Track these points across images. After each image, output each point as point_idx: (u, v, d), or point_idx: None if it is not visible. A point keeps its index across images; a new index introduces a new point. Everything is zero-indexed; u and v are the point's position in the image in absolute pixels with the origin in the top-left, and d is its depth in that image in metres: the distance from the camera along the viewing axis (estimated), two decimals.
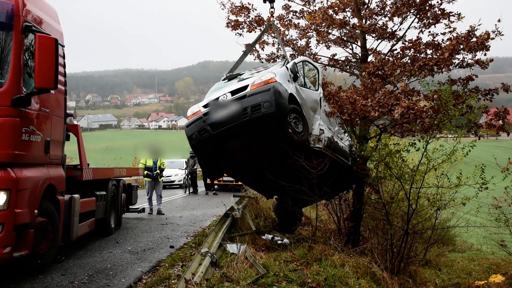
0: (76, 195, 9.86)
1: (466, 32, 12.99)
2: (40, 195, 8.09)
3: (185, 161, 29.64)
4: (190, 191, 26.75)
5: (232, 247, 9.68)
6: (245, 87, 10.50)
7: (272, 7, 13.44)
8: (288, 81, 10.85)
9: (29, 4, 8.01)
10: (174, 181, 30.95)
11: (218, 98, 10.70)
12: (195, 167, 26.78)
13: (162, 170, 18.76)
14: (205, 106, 10.83)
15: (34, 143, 8.00)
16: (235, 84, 11.02)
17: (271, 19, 13.63)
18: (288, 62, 11.85)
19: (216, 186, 27.56)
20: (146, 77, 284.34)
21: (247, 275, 8.10)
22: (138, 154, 23.90)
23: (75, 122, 11.13)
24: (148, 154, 18.73)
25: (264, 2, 13.57)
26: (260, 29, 15.70)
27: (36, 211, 7.86)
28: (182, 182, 29.71)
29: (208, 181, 26.95)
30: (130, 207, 15.50)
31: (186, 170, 27.34)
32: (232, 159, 11.48)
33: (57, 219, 8.80)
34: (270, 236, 12.23)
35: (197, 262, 8.30)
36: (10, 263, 7.56)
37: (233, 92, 10.59)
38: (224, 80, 12.61)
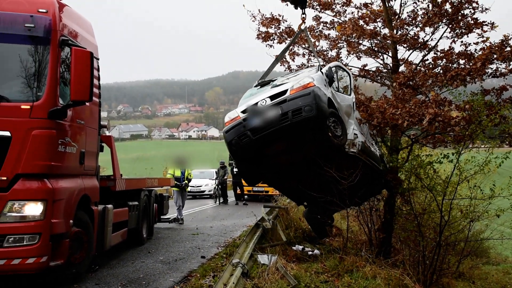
0: (110, 205, 10.01)
1: (500, 41, 12.87)
2: (75, 205, 8.25)
3: (215, 171, 29.76)
4: (220, 201, 26.83)
5: (263, 258, 9.71)
6: (284, 92, 10.55)
7: (303, 13, 13.46)
8: (325, 85, 10.89)
9: (65, 18, 8.20)
10: (204, 191, 31.06)
11: (257, 103, 10.77)
12: (225, 177, 26.87)
13: (189, 180, 18.99)
14: (243, 112, 10.89)
15: (70, 154, 8.16)
16: (272, 89, 11.08)
17: (303, 25, 13.62)
18: (321, 67, 11.88)
19: (246, 196, 27.59)
20: (176, 87, 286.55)
21: (278, 286, 8.12)
22: (167, 165, 24.09)
23: (108, 133, 11.29)
24: (176, 165, 18.97)
25: (295, 8, 13.60)
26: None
27: (71, 221, 8.02)
28: (212, 192, 29.85)
29: (238, 191, 27.09)
30: (162, 217, 15.66)
31: (217, 180, 27.40)
32: (272, 164, 11.52)
33: (91, 229, 8.95)
34: (300, 247, 12.25)
35: (228, 273, 8.33)
36: (46, 272, 7.71)
37: (272, 97, 10.65)
38: (256, 86, 12.68)
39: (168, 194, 17.28)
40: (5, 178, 7.30)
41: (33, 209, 7.35)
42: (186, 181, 18.58)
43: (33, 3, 7.80)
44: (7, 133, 7.32)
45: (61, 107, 7.73)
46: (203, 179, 31.28)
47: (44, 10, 7.82)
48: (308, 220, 14.19)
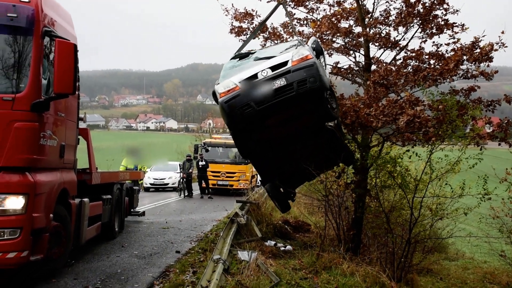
0: (86, 199, 9.85)
1: (471, 43, 13.18)
2: (55, 199, 8.11)
3: (179, 164, 29.60)
4: (185, 194, 26.69)
5: (243, 254, 9.73)
6: (285, 63, 10.51)
7: None
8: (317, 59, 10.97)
9: (46, 8, 8.01)
10: (168, 184, 30.80)
11: (256, 74, 10.61)
12: (190, 170, 26.73)
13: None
14: (241, 82, 10.67)
15: (51, 148, 8.02)
16: (271, 60, 10.93)
17: None
18: (301, 42, 11.94)
19: (210, 190, 27.57)
20: (134, 78, 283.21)
21: (260, 282, 8.16)
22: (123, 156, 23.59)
23: (84, 126, 11.09)
24: (130, 157, 18.88)
25: None
26: (264, 36, 15.80)
27: (51, 215, 7.88)
28: (176, 185, 29.67)
29: (203, 184, 27.01)
30: (132, 210, 15.50)
31: (182, 173, 27.20)
32: (267, 135, 11.49)
33: (69, 223, 8.81)
34: (272, 243, 12.31)
35: (210, 269, 8.34)
36: (26, 266, 7.57)
37: (273, 68, 10.57)
38: (234, 58, 12.58)
39: (138, 187, 17.10)
40: None
41: (14, 203, 7.19)
42: None
43: None
44: None
45: (43, 100, 7.56)
46: (167, 172, 31.05)
47: (27, 0, 7.63)
48: (271, 193, 13.89)
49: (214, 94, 11.28)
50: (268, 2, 15.32)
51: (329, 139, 11.98)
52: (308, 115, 10.99)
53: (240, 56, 12.50)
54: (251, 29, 15.73)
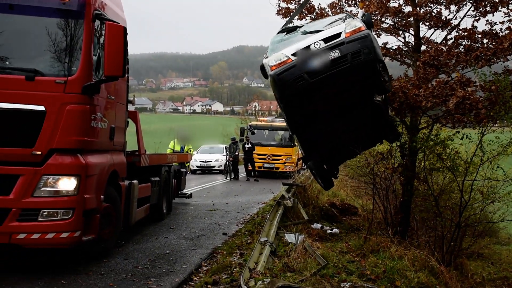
0: (135, 181, 10.01)
1: None
2: (105, 180, 8.27)
3: (225, 147, 29.81)
4: (232, 177, 26.86)
5: (290, 237, 9.73)
6: (338, 35, 10.37)
7: None
8: None
9: None
10: (214, 166, 31.07)
11: (309, 46, 10.48)
12: (236, 153, 26.87)
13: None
14: (293, 55, 10.54)
15: (101, 130, 8.15)
16: (323, 32, 10.77)
17: None
18: (350, 15, 11.78)
19: (256, 172, 27.67)
20: (181, 61, 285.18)
21: (308, 265, 8.15)
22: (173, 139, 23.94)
23: (133, 108, 11.24)
24: (179, 140, 19.07)
25: None
26: (311, 17, 15.63)
27: (102, 196, 8.04)
28: (222, 167, 29.91)
29: (249, 167, 27.14)
30: (179, 192, 15.68)
31: (228, 156, 27.38)
32: (318, 108, 11.38)
33: (119, 204, 8.98)
34: (319, 225, 12.27)
35: (258, 251, 8.38)
36: (79, 246, 7.76)
37: (326, 40, 10.43)
38: (281, 32, 12.45)
39: (185, 170, 17.29)
40: (39, 152, 7.29)
41: (67, 184, 7.36)
42: None
43: None
44: (42, 108, 7.29)
45: (94, 83, 7.68)
46: (213, 155, 31.33)
47: None
48: (314, 170, 13.73)
49: (262, 68, 11.19)
50: None
51: (375, 114, 11.83)
52: (360, 87, 10.86)
53: (287, 30, 12.37)
54: None
